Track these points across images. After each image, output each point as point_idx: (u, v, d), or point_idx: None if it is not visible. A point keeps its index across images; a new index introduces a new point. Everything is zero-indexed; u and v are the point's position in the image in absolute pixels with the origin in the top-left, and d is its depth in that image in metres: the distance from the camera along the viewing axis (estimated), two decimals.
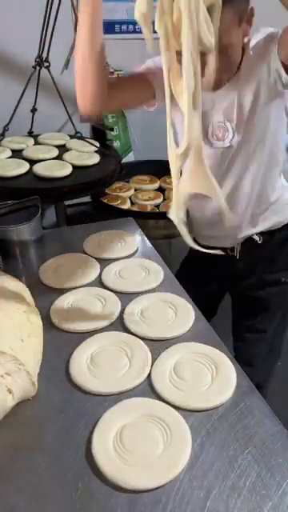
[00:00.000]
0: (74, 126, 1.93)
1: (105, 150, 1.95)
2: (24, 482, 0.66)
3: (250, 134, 1.11)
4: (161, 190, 2.15)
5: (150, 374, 0.84)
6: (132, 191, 2.12)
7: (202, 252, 0.81)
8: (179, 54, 0.68)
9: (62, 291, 1.09)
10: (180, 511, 0.62)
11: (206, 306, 1.10)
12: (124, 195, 2.06)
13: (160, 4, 0.66)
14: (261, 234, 1.28)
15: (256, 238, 1.28)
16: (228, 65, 1.03)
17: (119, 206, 1.95)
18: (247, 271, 1.35)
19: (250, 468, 0.68)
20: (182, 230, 0.78)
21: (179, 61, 0.68)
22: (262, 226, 1.27)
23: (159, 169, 2.25)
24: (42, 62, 1.81)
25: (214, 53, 0.95)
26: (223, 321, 2.29)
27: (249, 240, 1.29)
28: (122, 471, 0.66)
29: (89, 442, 0.71)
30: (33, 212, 1.27)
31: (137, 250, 1.28)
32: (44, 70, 1.83)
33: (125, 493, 0.64)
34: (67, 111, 1.88)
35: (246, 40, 1.03)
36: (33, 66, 1.82)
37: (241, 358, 1.14)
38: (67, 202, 1.93)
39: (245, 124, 1.10)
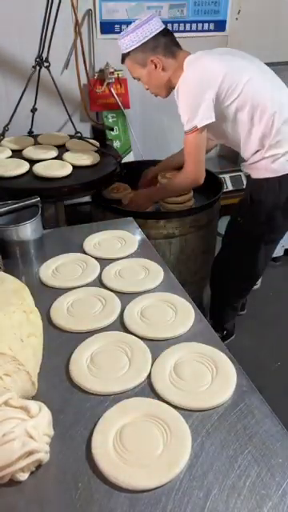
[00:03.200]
0: (74, 126, 1.93)
1: (105, 149, 1.95)
2: (24, 482, 0.66)
3: None
4: None
5: (150, 374, 0.84)
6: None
7: None
8: None
9: (62, 291, 1.09)
10: (180, 511, 0.62)
11: None
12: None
13: None
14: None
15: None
16: (152, 87, 1.68)
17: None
18: None
19: (250, 468, 0.68)
20: None
21: None
22: None
23: None
24: (42, 62, 1.81)
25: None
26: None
27: None
28: (122, 471, 0.66)
29: (89, 441, 0.71)
30: (33, 212, 1.27)
31: (137, 250, 1.28)
32: (44, 70, 1.83)
33: (125, 493, 0.64)
34: (67, 111, 1.88)
35: (161, 72, 1.60)
36: (33, 66, 1.81)
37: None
38: (67, 202, 1.92)
39: None
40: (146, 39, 1.55)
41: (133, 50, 1.57)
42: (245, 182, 2.58)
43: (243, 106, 1.54)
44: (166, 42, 1.58)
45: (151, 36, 1.55)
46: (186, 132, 1.56)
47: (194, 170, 1.65)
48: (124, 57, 1.64)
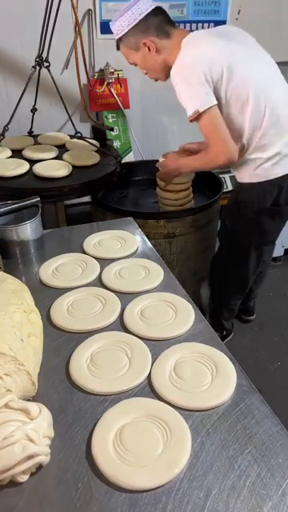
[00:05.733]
0: (73, 126, 1.93)
1: (105, 150, 1.95)
2: (24, 482, 0.66)
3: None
4: None
5: (150, 374, 0.84)
6: None
7: None
8: None
9: (62, 291, 1.09)
10: (180, 511, 0.62)
11: None
12: None
13: None
14: None
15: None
16: (150, 71, 1.61)
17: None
18: None
19: (250, 468, 0.68)
20: None
21: None
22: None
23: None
24: (42, 61, 1.81)
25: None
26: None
27: None
28: (122, 471, 0.66)
29: (89, 441, 0.71)
30: (33, 212, 1.27)
31: (137, 249, 1.28)
32: (44, 70, 1.83)
33: (125, 493, 0.64)
34: (67, 111, 1.89)
35: (155, 54, 1.54)
36: (33, 66, 1.82)
37: None
38: (67, 202, 1.93)
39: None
40: (136, 21, 1.48)
41: (124, 34, 1.51)
42: None
43: (237, 96, 1.47)
44: (158, 22, 1.51)
45: (141, 18, 1.47)
46: (192, 119, 1.46)
47: (223, 150, 1.49)
48: (118, 43, 1.57)
